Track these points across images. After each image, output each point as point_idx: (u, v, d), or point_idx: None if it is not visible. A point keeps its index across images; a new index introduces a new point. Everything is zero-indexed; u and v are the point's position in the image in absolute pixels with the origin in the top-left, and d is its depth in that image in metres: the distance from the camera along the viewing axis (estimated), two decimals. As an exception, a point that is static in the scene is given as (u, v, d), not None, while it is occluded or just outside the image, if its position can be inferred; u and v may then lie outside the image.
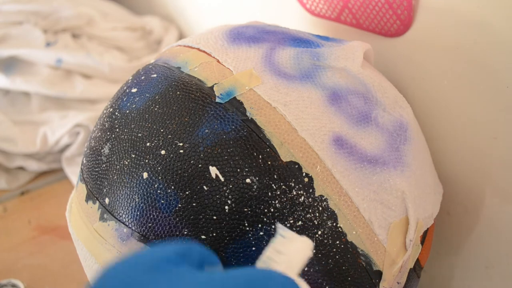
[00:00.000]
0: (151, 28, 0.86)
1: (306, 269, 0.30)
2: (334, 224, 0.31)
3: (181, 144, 0.31)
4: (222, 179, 0.30)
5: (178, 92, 0.33)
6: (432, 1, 0.40)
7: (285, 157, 0.31)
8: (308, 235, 0.30)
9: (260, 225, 0.30)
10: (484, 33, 0.37)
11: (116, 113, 0.36)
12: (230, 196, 0.30)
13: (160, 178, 0.31)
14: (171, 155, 0.31)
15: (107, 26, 0.81)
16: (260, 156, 0.30)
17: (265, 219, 0.30)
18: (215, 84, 0.33)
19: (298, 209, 0.30)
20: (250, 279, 0.21)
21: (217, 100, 0.32)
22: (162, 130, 0.32)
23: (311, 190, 0.31)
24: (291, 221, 0.30)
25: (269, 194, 0.30)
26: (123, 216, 0.32)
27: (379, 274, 0.32)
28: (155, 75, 0.36)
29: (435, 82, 0.43)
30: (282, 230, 0.26)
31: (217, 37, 0.38)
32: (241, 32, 0.38)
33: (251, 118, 0.31)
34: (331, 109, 0.33)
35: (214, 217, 0.30)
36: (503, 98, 0.38)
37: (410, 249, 0.34)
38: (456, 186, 0.45)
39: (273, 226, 0.30)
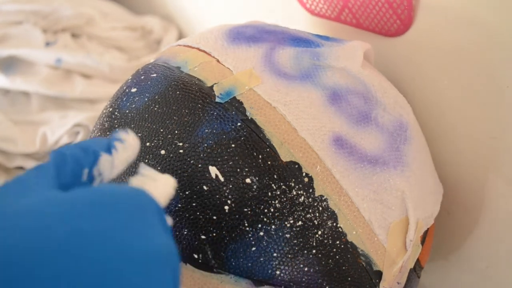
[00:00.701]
0: (151, 28, 0.86)
1: (306, 269, 0.30)
2: (334, 224, 0.31)
3: (180, 144, 0.31)
4: (222, 179, 0.30)
5: (177, 92, 0.33)
6: (432, 0, 0.40)
7: (285, 157, 0.31)
8: (308, 235, 0.30)
9: (260, 225, 0.30)
10: (484, 33, 0.37)
11: (116, 113, 0.36)
12: (230, 196, 0.30)
13: (159, 178, 0.31)
14: (171, 155, 0.31)
15: (107, 26, 0.81)
16: (260, 156, 0.30)
17: (265, 219, 0.30)
18: (215, 83, 0.33)
19: (298, 209, 0.30)
20: (102, 193, 0.20)
21: (217, 100, 0.32)
22: (161, 130, 0.32)
23: (311, 190, 0.30)
24: (291, 221, 0.30)
25: (269, 194, 0.30)
26: (123, 216, 0.32)
27: (379, 274, 0.32)
28: (154, 75, 0.36)
29: (435, 82, 0.43)
30: (143, 169, 0.25)
31: (217, 37, 0.38)
32: (241, 32, 0.38)
33: (251, 118, 0.31)
34: (331, 109, 0.33)
35: (214, 217, 0.30)
36: (503, 98, 0.38)
37: (410, 249, 0.33)
38: (456, 186, 0.45)
39: (273, 226, 0.30)
